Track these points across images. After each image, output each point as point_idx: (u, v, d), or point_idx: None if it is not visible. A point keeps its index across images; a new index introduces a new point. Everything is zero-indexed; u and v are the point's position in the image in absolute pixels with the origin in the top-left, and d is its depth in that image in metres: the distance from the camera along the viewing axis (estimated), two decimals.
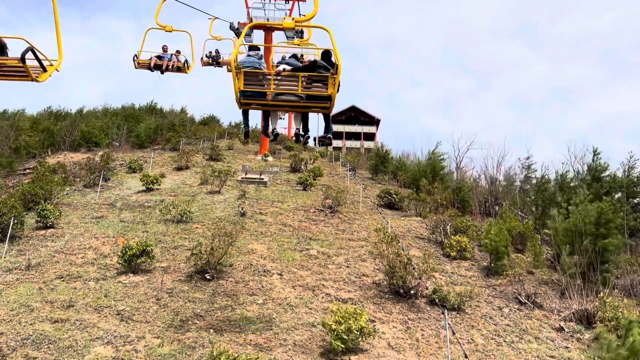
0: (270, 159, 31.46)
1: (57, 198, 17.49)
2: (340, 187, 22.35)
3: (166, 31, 16.52)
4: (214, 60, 27.96)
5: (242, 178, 22.43)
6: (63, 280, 11.29)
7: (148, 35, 16.66)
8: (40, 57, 7.63)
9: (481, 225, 18.06)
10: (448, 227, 15.37)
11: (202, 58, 27.46)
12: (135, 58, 17.28)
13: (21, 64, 7.35)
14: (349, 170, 29.11)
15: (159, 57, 17.49)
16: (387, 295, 11.25)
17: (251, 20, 32.99)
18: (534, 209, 19.20)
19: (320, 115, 9.44)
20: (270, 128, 9.84)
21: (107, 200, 18.66)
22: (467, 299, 10.99)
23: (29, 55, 7.37)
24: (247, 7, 33.25)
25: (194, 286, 11.13)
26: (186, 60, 18.10)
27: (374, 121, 76.21)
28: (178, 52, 17.94)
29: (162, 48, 17.62)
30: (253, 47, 9.34)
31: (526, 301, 11.60)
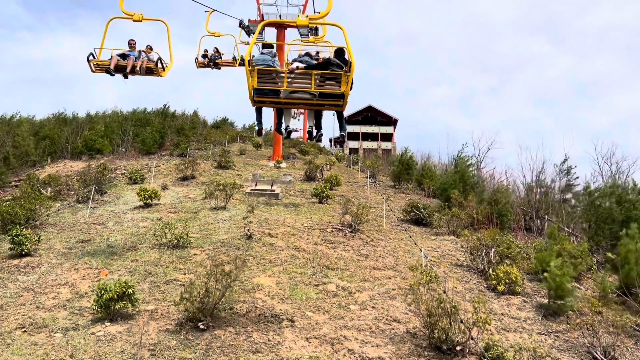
0: (283, 164, 29.22)
1: (41, 218, 15.50)
2: (361, 200, 20.06)
3: (134, 21, 12.22)
4: (211, 61, 24.24)
5: (252, 190, 20.25)
6: (24, 331, 9.16)
7: (115, 29, 13.16)
8: None
9: (525, 245, 15.60)
10: (492, 253, 12.94)
11: (197, 58, 24.01)
12: (92, 58, 12.39)
13: None
14: (369, 178, 26.78)
15: (122, 56, 12.81)
16: (426, 352, 8.89)
17: (262, 17, 30.93)
18: (585, 226, 16.63)
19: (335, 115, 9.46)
20: (284, 126, 9.86)
21: (99, 218, 16.60)
22: (531, 358, 8.59)
23: None
24: (258, 3, 31.08)
25: (183, 339, 8.90)
26: (160, 59, 13.17)
27: (391, 121, 73.79)
28: (149, 47, 13.31)
29: (128, 43, 13.15)
30: (266, 45, 9.31)
31: (603, 358, 9.15)
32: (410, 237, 15.68)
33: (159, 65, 13.24)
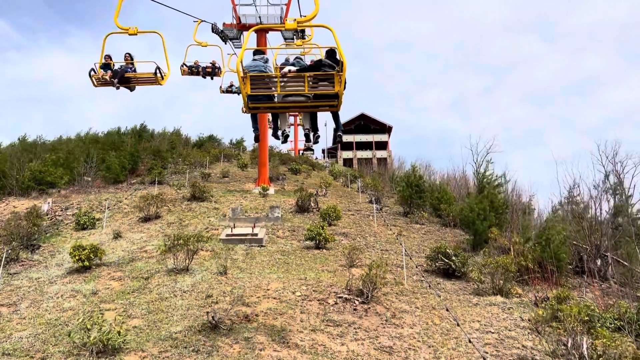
0: (271, 191, 24.65)
1: None
2: (368, 239, 15.71)
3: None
4: (116, 75, 13.01)
5: (227, 236, 15.69)
6: None
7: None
8: None
9: (599, 300, 11.22)
10: (584, 346, 8.46)
11: (92, 71, 12.91)
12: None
13: None
14: (373, 203, 22.35)
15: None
16: None
17: (239, 19, 26.75)
18: None
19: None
20: (280, 130, 9.82)
21: (12, 295, 11.99)
22: None
23: None
24: (234, 4, 26.81)
25: None
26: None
27: (385, 129, 69.39)
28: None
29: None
30: (258, 51, 9.29)
31: None
32: (438, 294, 11.20)
33: None
